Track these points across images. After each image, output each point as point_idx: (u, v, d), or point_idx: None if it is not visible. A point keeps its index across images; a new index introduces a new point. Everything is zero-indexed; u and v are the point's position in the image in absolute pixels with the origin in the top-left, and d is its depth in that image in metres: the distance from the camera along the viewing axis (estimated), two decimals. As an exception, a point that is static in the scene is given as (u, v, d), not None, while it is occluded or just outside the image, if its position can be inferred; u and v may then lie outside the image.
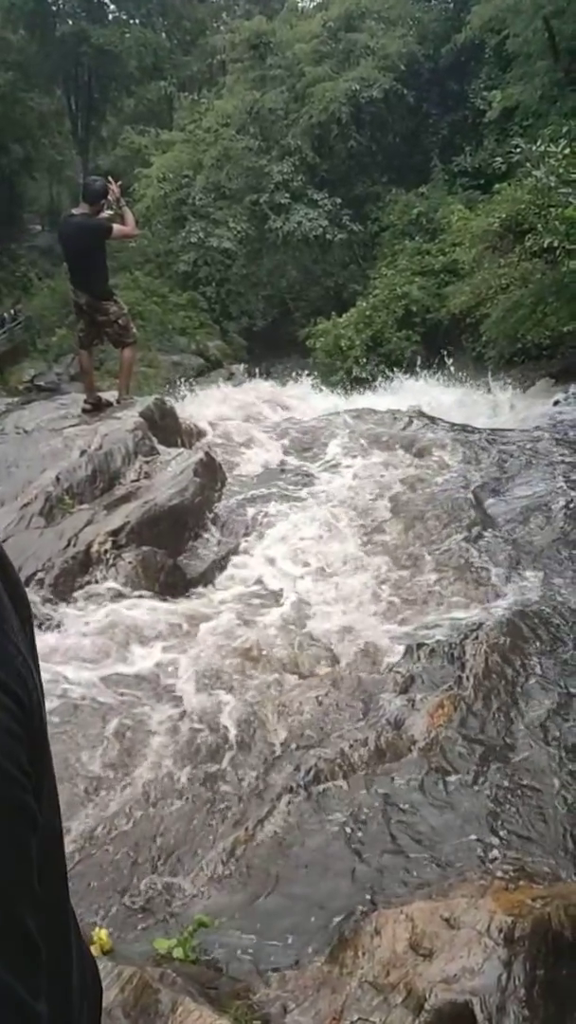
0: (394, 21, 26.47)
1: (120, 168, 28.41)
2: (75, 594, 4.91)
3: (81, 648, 4.39)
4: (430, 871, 2.91)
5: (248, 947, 2.70)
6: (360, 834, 3.11)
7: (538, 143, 13.82)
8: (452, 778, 3.40)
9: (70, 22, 35.74)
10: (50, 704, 3.82)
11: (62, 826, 0.70)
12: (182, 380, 18.97)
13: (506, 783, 3.35)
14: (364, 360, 19.31)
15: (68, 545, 5.22)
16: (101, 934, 2.64)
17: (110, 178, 7.25)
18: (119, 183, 7.23)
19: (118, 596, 4.93)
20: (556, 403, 11.46)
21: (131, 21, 37.99)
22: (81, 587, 4.98)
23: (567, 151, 12.53)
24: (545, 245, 13.05)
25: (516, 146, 15.92)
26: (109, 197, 7.02)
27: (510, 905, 2.57)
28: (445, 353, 16.91)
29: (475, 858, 2.95)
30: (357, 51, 26.07)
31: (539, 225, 13.59)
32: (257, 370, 22.01)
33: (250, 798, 3.40)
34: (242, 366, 23.27)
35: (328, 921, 2.75)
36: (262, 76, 27.20)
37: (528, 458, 7.58)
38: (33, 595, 4.69)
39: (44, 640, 4.36)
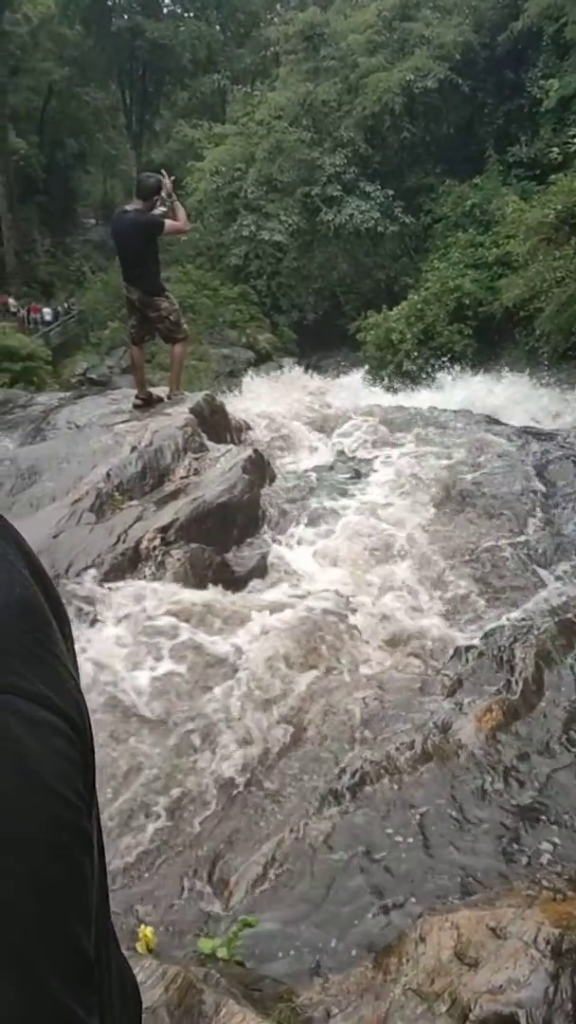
0: (450, 10, 26.11)
1: (173, 161, 28.57)
2: (123, 590, 4.95)
3: (124, 645, 4.43)
4: (476, 878, 2.88)
5: (292, 949, 2.70)
6: (405, 839, 3.09)
7: (596, 133, 13.54)
8: (500, 784, 3.36)
9: (125, 17, 36.00)
10: (93, 701, 3.87)
11: (103, 839, 0.72)
12: (233, 374, 19.05)
13: (555, 791, 3.31)
14: (415, 354, 19.15)
15: (118, 541, 5.27)
16: (147, 932, 2.66)
17: (163, 171, 7.28)
18: (172, 177, 7.25)
19: (166, 592, 4.96)
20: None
21: (185, 15, 38.15)
22: (129, 582, 5.02)
23: (626, 141, 12.25)
24: (602, 237, 12.81)
25: (573, 136, 15.63)
26: (162, 192, 7.04)
27: (558, 916, 2.53)
28: (498, 347, 16.68)
29: (522, 867, 2.91)
30: (412, 41, 25.79)
31: (596, 217, 13.35)
32: (307, 363, 21.98)
33: (295, 800, 3.40)
34: (292, 359, 23.25)
35: (372, 926, 2.74)
36: (315, 68, 27.07)
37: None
38: (82, 591, 4.75)
39: (87, 635, 4.41)
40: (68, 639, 0.65)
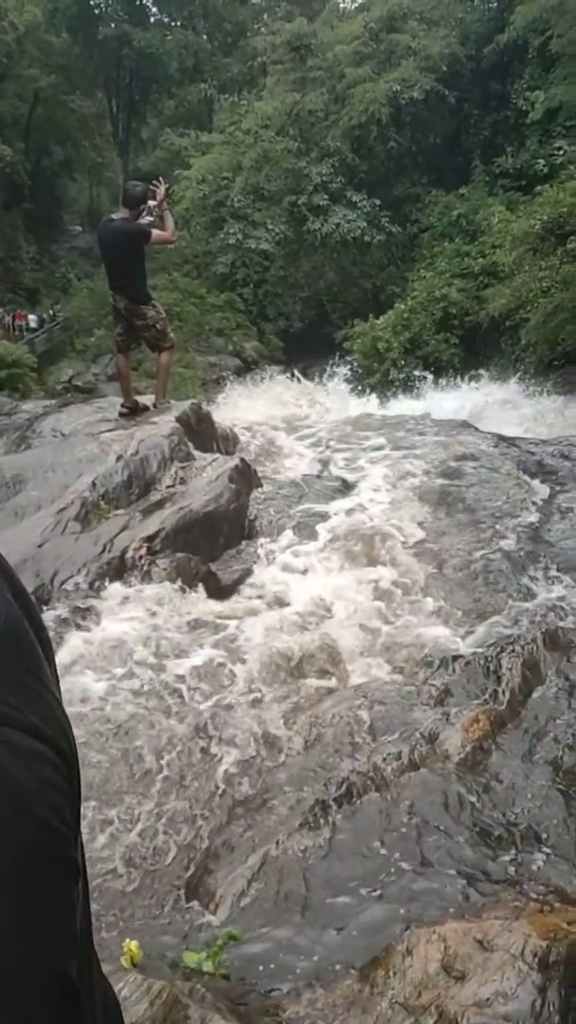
0: (436, 22, 26.34)
1: (160, 170, 28.56)
2: (107, 600, 4.93)
3: (103, 654, 4.40)
4: (463, 890, 2.87)
5: (278, 963, 2.68)
6: (392, 850, 3.08)
7: (581, 145, 13.65)
8: (486, 795, 3.36)
9: (112, 25, 36.06)
10: (76, 710, 3.84)
11: (86, 864, 0.71)
12: (219, 382, 19.07)
13: (542, 801, 3.30)
14: (402, 362, 19.23)
15: (103, 551, 5.25)
16: (132, 946, 2.64)
17: (159, 179, 7.27)
18: (165, 186, 7.25)
19: (151, 602, 4.94)
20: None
21: (173, 24, 38.25)
22: (115, 592, 4.99)
23: (611, 153, 12.36)
24: (587, 248, 12.91)
25: (559, 148, 15.80)
26: (152, 201, 7.03)
27: (545, 929, 2.53)
28: (484, 356, 16.76)
29: (509, 878, 2.91)
30: (398, 52, 25.99)
31: (581, 228, 13.45)
32: (294, 372, 22.03)
33: (282, 812, 3.38)
34: (279, 367, 23.28)
35: (359, 939, 2.72)
36: (302, 78, 27.22)
37: (571, 469, 7.49)
38: (67, 601, 4.73)
39: (71, 646, 4.39)
40: (51, 663, 0.65)
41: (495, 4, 26.51)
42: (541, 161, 20.55)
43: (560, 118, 21.80)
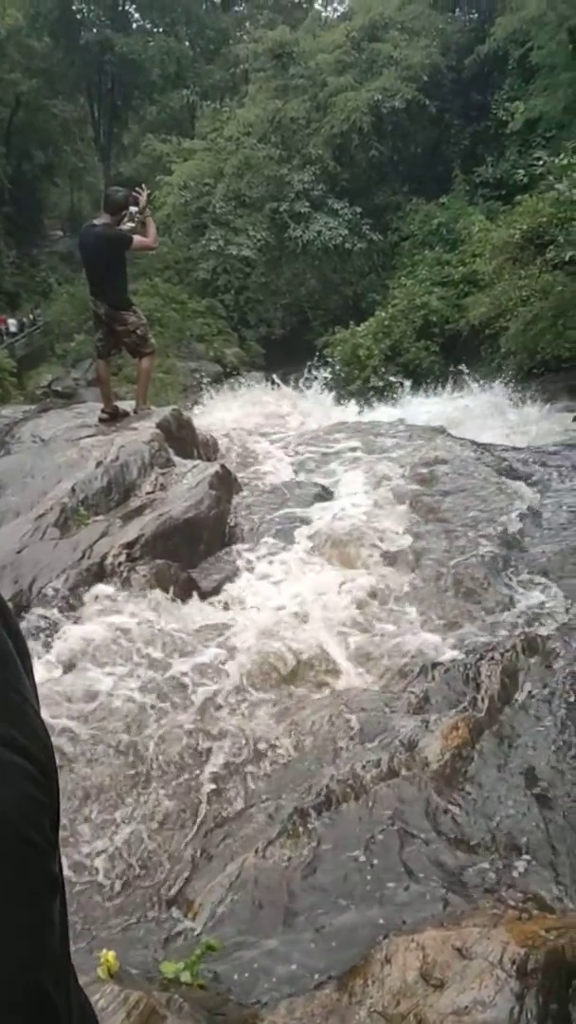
0: (418, 32, 26.52)
1: (141, 175, 28.57)
2: (86, 606, 4.91)
3: (86, 661, 4.38)
4: (442, 898, 2.87)
5: (256, 972, 2.67)
6: (371, 858, 3.08)
7: (561, 156, 13.79)
8: (465, 802, 3.36)
9: (95, 30, 36.02)
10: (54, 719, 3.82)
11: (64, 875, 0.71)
12: (199, 387, 19.06)
13: (520, 809, 3.31)
14: (382, 370, 19.30)
15: (82, 557, 5.22)
16: (109, 956, 2.62)
17: (142, 186, 7.27)
18: (148, 192, 7.24)
19: (130, 609, 4.92)
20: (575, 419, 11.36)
21: (155, 30, 38.27)
22: (94, 599, 4.97)
23: (590, 164, 12.50)
24: (567, 258, 13.02)
25: (538, 158, 15.91)
26: (134, 207, 7.03)
27: (523, 936, 2.53)
28: (464, 364, 16.86)
29: (488, 886, 2.91)
30: (380, 61, 26.14)
31: (560, 237, 13.58)
32: (275, 378, 22.05)
33: (261, 820, 3.37)
34: (260, 374, 23.30)
35: (338, 947, 2.72)
36: (284, 85, 27.31)
37: (550, 476, 7.54)
38: (46, 608, 4.70)
39: (50, 651, 4.36)
40: (30, 673, 0.64)
41: (476, 16, 26.79)
42: (521, 171, 20.73)
43: (539, 129, 22.02)
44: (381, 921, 2.78)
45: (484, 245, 18.59)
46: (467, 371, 16.15)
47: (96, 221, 7.31)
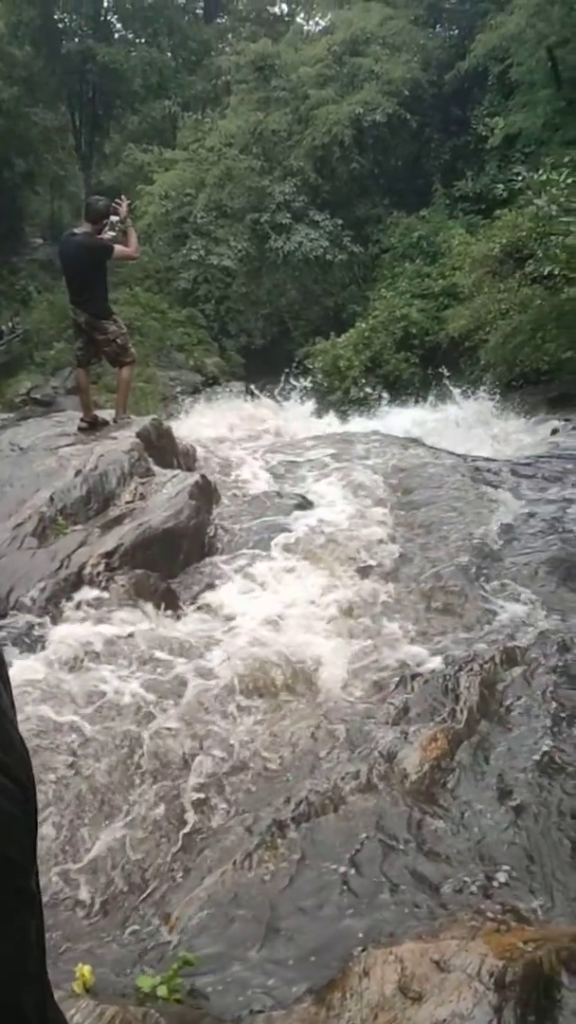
0: (399, 47, 26.70)
1: (122, 185, 28.56)
2: (64, 615, 4.88)
3: (61, 672, 4.34)
4: (420, 911, 2.87)
5: (234, 986, 2.65)
6: (349, 871, 3.07)
7: (540, 171, 13.93)
8: (444, 814, 3.36)
9: (76, 40, 36.00)
10: (26, 727, 3.78)
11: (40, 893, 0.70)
12: (179, 397, 19.03)
13: (498, 820, 3.31)
14: (363, 381, 19.36)
15: (60, 567, 5.19)
16: (84, 971, 2.59)
17: (122, 196, 7.27)
18: (129, 202, 7.24)
19: (109, 619, 4.89)
20: (554, 432, 11.44)
21: (137, 40, 38.29)
22: (73, 609, 4.93)
23: (569, 180, 12.63)
24: (545, 272, 13.15)
25: (518, 173, 16.06)
26: (113, 217, 7.03)
27: (501, 948, 2.53)
28: (443, 376, 16.96)
29: (466, 898, 2.91)
30: (361, 75, 26.29)
31: (539, 252, 13.71)
32: (255, 388, 22.06)
33: (239, 832, 3.35)
34: (240, 384, 23.30)
35: (316, 961, 2.71)
36: (266, 97, 27.40)
37: (526, 487, 7.58)
38: (23, 617, 4.66)
39: (26, 663, 4.32)
40: (7, 685, 0.63)
41: (456, 32, 27.01)
42: (500, 186, 20.90)
43: (519, 144, 22.24)
44: (360, 934, 2.77)
45: (464, 258, 18.73)
46: (447, 383, 16.24)
47: (77, 230, 7.31)
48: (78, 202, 32.80)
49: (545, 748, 3.75)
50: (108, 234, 7.07)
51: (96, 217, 7.06)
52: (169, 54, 38.46)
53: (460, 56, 24.33)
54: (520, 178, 15.36)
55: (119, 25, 39.05)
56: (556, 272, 13.00)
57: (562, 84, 20.45)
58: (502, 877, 3.01)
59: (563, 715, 4.00)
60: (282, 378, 19.12)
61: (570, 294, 12.90)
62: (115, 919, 3.04)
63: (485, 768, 3.65)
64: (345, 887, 2.99)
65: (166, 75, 36.77)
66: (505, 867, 3.06)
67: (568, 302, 13.12)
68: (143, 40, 38.11)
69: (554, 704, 4.09)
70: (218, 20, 42.40)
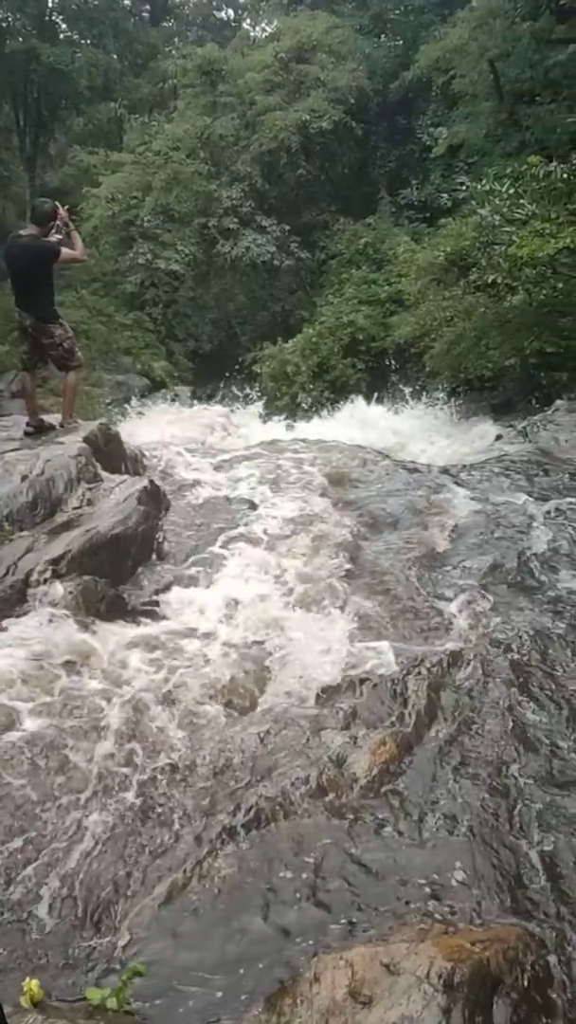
0: (344, 56, 26.88)
1: (68, 186, 28.26)
2: (8, 623, 4.80)
3: (9, 681, 4.28)
4: (370, 914, 2.88)
5: (184, 996, 2.64)
6: (300, 876, 3.07)
7: (483, 182, 14.13)
8: (393, 818, 3.39)
9: (20, 39, 35.49)
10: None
11: None
12: (126, 402, 18.86)
13: (446, 824, 3.35)
14: (310, 386, 19.41)
15: (6, 573, 5.11)
16: (32, 985, 2.55)
17: (58, 203, 7.22)
18: (67, 207, 7.20)
19: (54, 625, 4.83)
20: (498, 437, 11.62)
21: (83, 41, 37.90)
22: (18, 616, 4.86)
23: (511, 191, 12.84)
24: (489, 280, 13.34)
25: (461, 183, 16.26)
26: (57, 221, 6.98)
27: (449, 950, 2.56)
28: (390, 382, 17.10)
29: (415, 901, 2.93)
30: (308, 83, 26.41)
31: (483, 261, 13.89)
32: (203, 393, 22.00)
33: (189, 840, 3.34)
34: (187, 388, 23.19)
35: (266, 967, 2.70)
36: (213, 102, 27.36)
37: (474, 492, 7.69)
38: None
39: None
40: None
41: (400, 42, 27.27)
42: (444, 195, 21.17)
43: (462, 154, 22.52)
44: (310, 940, 2.78)
45: (409, 266, 18.87)
46: (393, 388, 16.38)
47: (23, 232, 7.23)
48: (23, 203, 32.31)
49: (493, 751, 3.81)
50: (55, 236, 7.01)
51: (42, 219, 6.98)
52: (115, 56, 38.15)
53: (404, 66, 24.60)
54: (464, 188, 15.56)
55: (64, 26, 38.60)
56: (499, 281, 13.19)
57: (504, 96, 20.77)
58: (450, 879, 3.05)
59: (510, 717, 4.06)
60: (233, 383, 19.09)
61: (513, 302, 13.11)
62: (63, 932, 3.00)
63: (433, 772, 3.69)
64: (295, 893, 3.00)
65: (112, 77, 36.47)
66: (453, 869, 3.09)
67: (511, 310, 13.33)
68: (89, 41, 37.72)
69: (501, 705, 4.16)
70: (164, 24, 42.25)
